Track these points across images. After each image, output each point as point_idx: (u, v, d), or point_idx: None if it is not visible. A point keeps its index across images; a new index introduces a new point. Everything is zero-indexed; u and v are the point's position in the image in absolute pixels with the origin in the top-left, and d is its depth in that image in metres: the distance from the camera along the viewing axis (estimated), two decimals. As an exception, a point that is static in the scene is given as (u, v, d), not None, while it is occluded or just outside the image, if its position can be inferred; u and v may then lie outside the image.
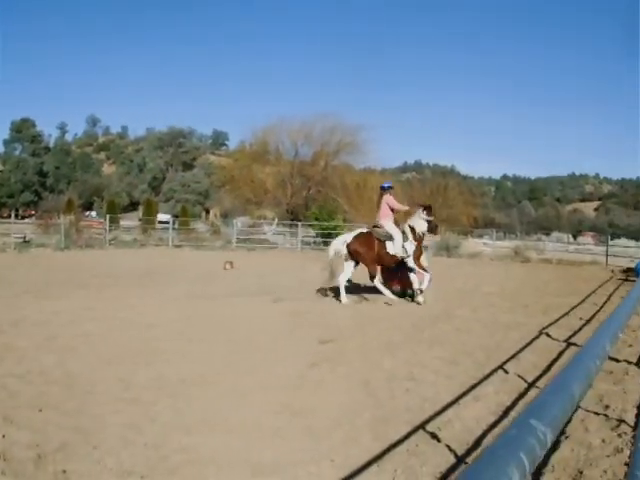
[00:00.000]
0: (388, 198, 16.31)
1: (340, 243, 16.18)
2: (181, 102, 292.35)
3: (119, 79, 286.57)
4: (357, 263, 16.23)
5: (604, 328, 1.63)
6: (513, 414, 6.84)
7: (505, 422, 6.60)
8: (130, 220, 76.54)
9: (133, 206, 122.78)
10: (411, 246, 15.98)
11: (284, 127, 58.28)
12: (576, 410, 6.92)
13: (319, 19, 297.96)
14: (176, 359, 9.10)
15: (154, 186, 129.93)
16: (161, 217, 68.81)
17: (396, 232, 15.90)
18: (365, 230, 16.50)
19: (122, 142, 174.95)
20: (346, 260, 16.10)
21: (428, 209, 16.67)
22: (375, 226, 16.27)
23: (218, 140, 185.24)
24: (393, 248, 15.85)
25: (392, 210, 16.28)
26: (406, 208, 17.13)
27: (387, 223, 16.08)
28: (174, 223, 44.07)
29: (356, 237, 16.14)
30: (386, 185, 16.82)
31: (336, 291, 16.33)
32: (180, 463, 5.40)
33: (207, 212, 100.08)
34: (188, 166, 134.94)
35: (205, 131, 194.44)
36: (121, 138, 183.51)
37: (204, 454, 5.60)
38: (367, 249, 15.86)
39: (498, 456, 0.80)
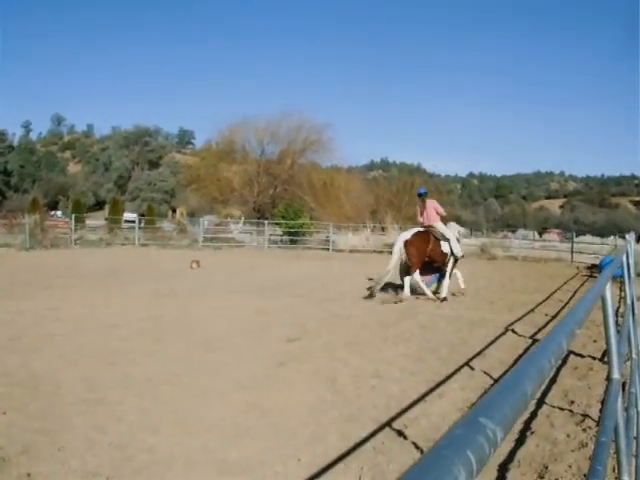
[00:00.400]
0: (433, 202, 17.29)
1: (402, 242, 16.49)
2: (147, 100, 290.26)
3: (84, 77, 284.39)
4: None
5: (561, 325, 1.61)
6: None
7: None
8: (96, 219, 75.63)
9: (99, 205, 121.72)
10: (460, 248, 17.05)
11: (250, 125, 58.31)
12: (541, 406, 6.98)
13: (285, 17, 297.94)
14: (142, 359, 9.04)
15: (120, 185, 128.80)
16: (127, 216, 68.14)
17: (450, 233, 16.82)
18: (422, 229, 16.86)
19: (87, 141, 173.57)
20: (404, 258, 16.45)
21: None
22: (429, 226, 16.81)
23: (184, 139, 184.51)
24: (448, 247, 16.63)
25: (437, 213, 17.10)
26: (445, 214, 17.73)
27: (440, 225, 16.94)
28: (140, 222, 43.72)
29: (415, 235, 16.57)
30: (423, 191, 17.88)
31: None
32: (146, 463, 5.37)
33: (173, 211, 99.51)
34: (154, 165, 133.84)
35: (171, 130, 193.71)
36: (86, 137, 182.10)
37: (170, 454, 5.57)
38: (423, 247, 16.33)
39: (443, 456, 0.77)
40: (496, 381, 8.13)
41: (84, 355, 9.16)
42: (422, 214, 17.22)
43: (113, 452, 5.57)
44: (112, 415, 6.51)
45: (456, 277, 17.07)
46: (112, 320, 11.96)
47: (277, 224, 43.23)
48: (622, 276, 6.31)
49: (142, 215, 61.88)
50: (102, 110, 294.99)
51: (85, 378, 7.89)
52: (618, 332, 4.75)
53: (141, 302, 14.31)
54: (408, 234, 16.72)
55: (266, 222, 42.22)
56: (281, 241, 42.07)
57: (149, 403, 6.95)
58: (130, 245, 38.32)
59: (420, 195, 17.69)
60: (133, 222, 45.61)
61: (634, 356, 5.78)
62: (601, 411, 6.64)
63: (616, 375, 3.03)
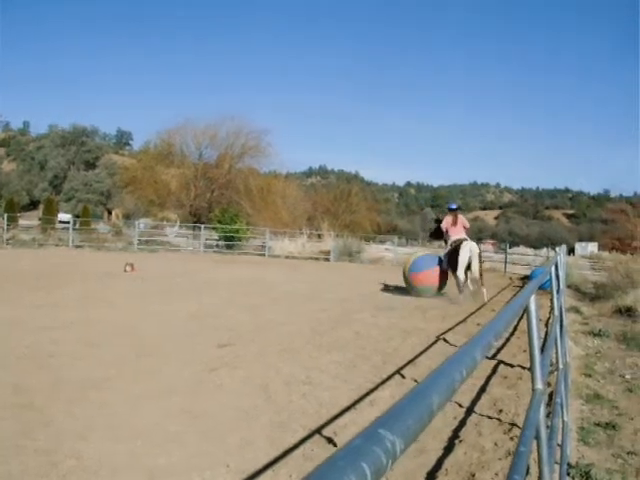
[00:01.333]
0: (463, 218, 19.84)
1: (475, 251, 18.60)
2: (85, 100, 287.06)
3: (21, 74, 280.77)
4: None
5: (478, 336, 1.63)
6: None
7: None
8: (29, 219, 74.28)
9: (33, 205, 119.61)
10: None
11: (189, 128, 57.83)
12: (470, 414, 7.07)
13: (226, 17, 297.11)
14: (72, 362, 8.93)
15: (55, 185, 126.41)
16: (62, 217, 67.11)
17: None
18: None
19: (23, 139, 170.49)
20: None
21: None
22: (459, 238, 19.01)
23: (122, 140, 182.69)
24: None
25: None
26: (469, 227, 20.19)
27: (467, 237, 19.19)
28: (75, 223, 43.12)
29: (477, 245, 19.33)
30: (455, 206, 20.26)
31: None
32: (72, 469, 5.32)
33: (109, 213, 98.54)
34: (91, 165, 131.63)
35: (109, 130, 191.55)
36: (22, 135, 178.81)
37: (98, 460, 5.52)
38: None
39: (337, 467, 0.78)
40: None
41: (13, 357, 9.01)
42: (453, 226, 19.28)
43: (39, 458, 5.50)
44: (40, 420, 6.42)
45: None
46: (43, 322, 11.76)
47: (213, 228, 42.96)
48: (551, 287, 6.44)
49: (77, 216, 60.84)
50: (39, 108, 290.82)
51: (13, 381, 7.77)
52: (546, 342, 4.84)
53: (74, 304, 14.12)
54: (475, 245, 18.99)
55: (202, 226, 41.92)
56: (217, 246, 41.80)
57: (79, 408, 6.87)
58: (64, 246, 37.62)
59: (453, 210, 19.75)
60: (68, 223, 44.87)
61: (561, 366, 5.90)
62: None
63: (539, 385, 3.09)
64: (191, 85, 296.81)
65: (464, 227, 19.42)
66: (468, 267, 18.40)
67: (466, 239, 18.84)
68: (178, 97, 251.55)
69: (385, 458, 0.91)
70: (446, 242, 19.60)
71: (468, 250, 18.32)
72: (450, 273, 19.21)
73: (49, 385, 7.73)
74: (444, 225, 19.51)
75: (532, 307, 3.03)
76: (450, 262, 18.84)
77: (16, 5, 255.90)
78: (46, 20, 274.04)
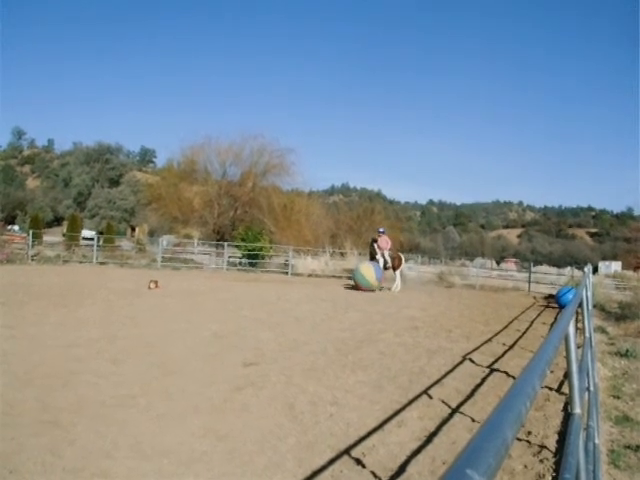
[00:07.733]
0: (387, 237, 29.85)
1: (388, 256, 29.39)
2: (109, 117, 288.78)
3: (46, 91, 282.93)
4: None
5: (532, 366, 1.61)
6: (437, 440, 6.86)
7: (429, 448, 6.61)
8: (54, 236, 74.69)
9: (57, 221, 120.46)
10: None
11: (213, 146, 57.76)
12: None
13: (250, 36, 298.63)
14: (97, 380, 8.91)
15: (79, 202, 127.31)
16: (86, 233, 67.50)
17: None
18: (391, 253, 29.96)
19: (48, 156, 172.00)
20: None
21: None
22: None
23: (145, 157, 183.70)
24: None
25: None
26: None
27: (388, 251, 29.38)
28: (99, 240, 43.25)
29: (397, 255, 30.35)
30: (383, 230, 30.63)
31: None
32: (100, 488, 5.28)
33: (133, 229, 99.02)
34: (114, 182, 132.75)
35: (133, 147, 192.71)
36: (47, 152, 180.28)
37: (125, 478, 5.49)
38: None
39: None
40: (454, 411, 8.14)
41: (38, 375, 9.01)
42: (384, 245, 29.10)
43: (67, 476, 5.48)
44: (66, 438, 6.40)
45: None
46: (68, 339, 11.78)
47: (237, 246, 42.93)
48: (579, 307, 6.39)
49: (101, 233, 61.11)
50: (63, 125, 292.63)
51: (39, 399, 7.77)
52: (580, 364, 4.78)
53: (97, 322, 14.11)
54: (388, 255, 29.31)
55: (225, 244, 41.90)
56: (240, 263, 41.76)
57: (104, 426, 6.85)
58: (88, 263, 37.69)
59: (382, 232, 29.91)
60: (91, 240, 45.13)
61: (591, 388, 5.83)
62: (558, 443, 6.69)
63: (577, 410, 3.04)
64: (215, 104, 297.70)
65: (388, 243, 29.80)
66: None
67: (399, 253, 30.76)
68: (202, 115, 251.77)
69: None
70: (374, 253, 29.06)
71: (402, 259, 29.70)
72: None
73: (74, 403, 7.72)
74: (382, 243, 29.10)
75: (571, 333, 2.99)
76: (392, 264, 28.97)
77: (40, 23, 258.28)
78: (70, 38, 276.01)
